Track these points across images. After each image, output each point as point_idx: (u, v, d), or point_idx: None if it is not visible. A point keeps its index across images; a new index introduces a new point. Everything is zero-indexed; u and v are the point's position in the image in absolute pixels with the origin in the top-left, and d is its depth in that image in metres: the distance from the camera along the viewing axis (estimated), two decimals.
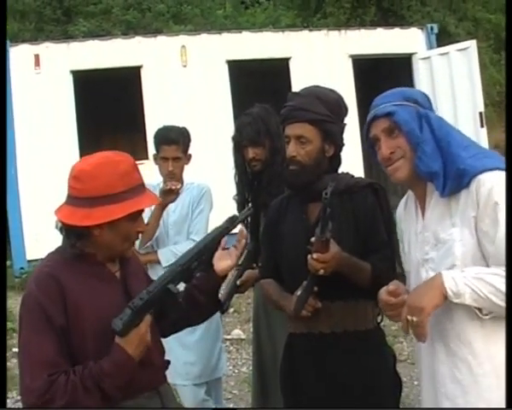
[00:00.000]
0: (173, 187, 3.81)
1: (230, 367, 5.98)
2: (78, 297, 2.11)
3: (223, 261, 2.43)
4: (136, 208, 2.17)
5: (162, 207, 3.87)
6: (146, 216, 3.89)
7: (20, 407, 5.08)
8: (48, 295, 2.09)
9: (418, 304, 2.05)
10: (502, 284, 2.00)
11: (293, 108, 2.69)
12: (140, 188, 2.21)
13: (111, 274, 2.28)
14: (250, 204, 3.69)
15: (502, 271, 2.02)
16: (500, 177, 2.08)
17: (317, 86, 2.81)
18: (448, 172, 2.15)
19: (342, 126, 2.76)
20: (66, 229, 2.18)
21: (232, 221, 2.46)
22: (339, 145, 2.74)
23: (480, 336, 2.12)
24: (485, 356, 2.12)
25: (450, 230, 2.17)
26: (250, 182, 3.66)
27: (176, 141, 3.92)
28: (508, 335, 2.07)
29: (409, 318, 2.06)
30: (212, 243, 2.42)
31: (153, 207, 3.88)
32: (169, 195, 3.84)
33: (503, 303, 2.01)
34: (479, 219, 2.09)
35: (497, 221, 2.04)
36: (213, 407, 4.09)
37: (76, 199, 2.15)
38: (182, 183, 4.06)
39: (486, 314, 2.07)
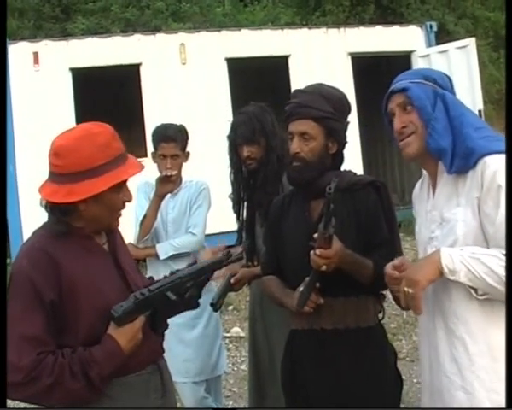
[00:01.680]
0: (169, 173, 3.83)
1: (230, 365, 5.98)
2: (72, 271, 2.11)
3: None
4: (118, 180, 2.15)
5: (160, 197, 3.88)
6: (144, 207, 3.91)
7: (21, 406, 5.12)
8: (39, 271, 2.07)
9: (414, 277, 2.11)
10: (497, 266, 2.04)
11: (298, 105, 2.70)
12: (122, 158, 2.19)
13: (100, 247, 2.29)
14: (245, 207, 3.70)
15: (499, 253, 2.05)
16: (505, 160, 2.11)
17: (321, 84, 2.82)
18: (457, 151, 2.19)
19: (345, 124, 2.78)
20: (51, 206, 2.17)
21: (227, 257, 2.51)
22: (342, 143, 2.76)
23: (477, 316, 2.16)
24: (481, 336, 2.16)
25: (455, 209, 2.21)
26: (245, 180, 3.66)
27: (174, 138, 3.93)
28: (508, 334, 2.09)
29: (405, 290, 2.12)
30: (208, 268, 2.43)
31: (151, 196, 3.90)
32: (166, 183, 3.86)
33: (496, 285, 2.04)
34: (482, 200, 2.12)
35: (499, 204, 2.07)
36: (213, 404, 4.09)
37: (58, 176, 2.13)
38: (180, 181, 4.07)
39: (482, 295, 2.11)
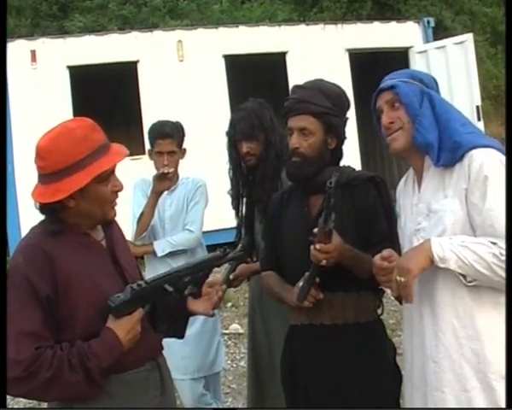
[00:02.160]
0: (166, 170, 3.83)
1: (229, 362, 5.98)
2: (67, 267, 2.11)
3: (197, 304, 2.42)
4: (100, 171, 2.13)
5: (157, 194, 3.88)
6: (141, 204, 3.91)
7: (20, 406, 5.12)
8: (34, 267, 2.08)
9: (406, 265, 2.17)
10: (486, 253, 2.12)
11: (297, 101, 2.71)
12: (103, 148, 2.18)
13: (97, 243, 2.28)
14: (244, 203, 3.70)
15: (486, 241, 2.13)
16: (492, 154, 2.21)
17: (321, 80, 2.83)
18: (444, 145, 2.27)
19: (344, 120, 2.78)
20: (43, 207, 2.18)
21: (225, 253, 2.52)
22: (341, 138, 2.76)
23: (465, 302, 2.23)
24: (469, 321, 2.23)
25: (443, 200, 2.29)
26: (245, 177, 3.66)
27: (170, 135, 3.93)
28: (508, 334, 2.14)
29: (397, 278, 2.18)
30: (206, 264, 2.43)
31: (148, 193, 3.90)
32: (163, 180, 3.86)
33: (485, 271, 2.12)
34: (469, 191, 2.20)
35: (486, 194, 2.16)
36: (212, 401, 4.10)
37: (44, 176, 2.15)
38: (177, 177, 4.07)
39: (471, 281, 2.18)
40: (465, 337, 2.22)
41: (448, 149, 2.26)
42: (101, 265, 2.24)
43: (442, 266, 2.16)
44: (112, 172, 2.21)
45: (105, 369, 2.08)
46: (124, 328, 2.11)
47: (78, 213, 2.19)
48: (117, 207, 2.39)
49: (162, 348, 2.40)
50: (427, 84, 2.40)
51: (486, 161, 2.18)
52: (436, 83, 2.48)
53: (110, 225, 2.37)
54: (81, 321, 2.10)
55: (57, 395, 2.08)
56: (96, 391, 2.09)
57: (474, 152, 2.20)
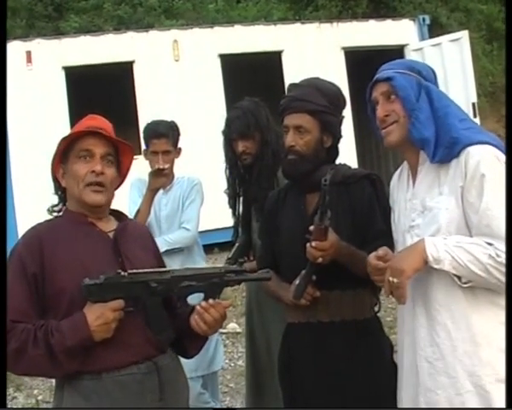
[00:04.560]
0: (161, 166, 3.83)
1: (226, 361, 5.97)
2: (58, 251, 2.20)
3: (199, 323, 2.30)
4: (66, 136, 2.27)
5: (153, 191, 3.88)
6: (137, 203, 3.91)
7: (18, 405, 5.12)
8: (27, 247, 2.20)
9: (399, 266, 2.13)
10: (481, 254, 2.07)
11: (293, 99, 2.72)
12: (86, 130, 2.30)
13: (101, 233, 2.31)
14: (241, 202, 3.70)
15: (482, 241, 2.08)
16: (489, 151, 2.15)
17: (317, 78, 2.84)
18: (441, 141, 2.22)
19: (340, 118, 2.79)
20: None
21: (241, 269, 2.34)
22: (337, 137, 2.77)
23: (460, 303, 2.19)
24: (463, 323, 2.18)
25: (438, 198, 2.23)
26: (241, 175, 3.66)
27: (165, 134, 3.94)
28: (508, 335, 2.11)
29: (390, 279, 2.14)
30: (207, 272, 2.32)
31: (144, 191, 3.90)
32: (159, 177, 3.86)
33: (480, 272, 2.08)
34: (465, 189, 2.15)
35: (482, 193, 2.10)
36: (210, 400, 4.09)
37: None
38: (172, 177, 4.08)
39: (466, 283, 2.14)
40: (459, 339, 2.18)
41: (445, 145, 2.20)
42: (99, 254, 2.25)
43: (436, 266, 2.11)
44: (93, 154, 2.28)
45: (68, 348, 2.07)
46: (94, 313, 2.11)
47: (68, 193, 2.33)
48: (113, 206, 2.40)
49: (163, 350, 2.28)
50: (426, 77, 2.33)
51: (484, 158, 2.12)
52: (435, 75, 2.41)
53: (124, 220, 2.42)
54: (65, 304, 2.14)
55: (24, 368, 2.14)
56: (60, 372, 2.12)
57: (471, 149, 2.14)
